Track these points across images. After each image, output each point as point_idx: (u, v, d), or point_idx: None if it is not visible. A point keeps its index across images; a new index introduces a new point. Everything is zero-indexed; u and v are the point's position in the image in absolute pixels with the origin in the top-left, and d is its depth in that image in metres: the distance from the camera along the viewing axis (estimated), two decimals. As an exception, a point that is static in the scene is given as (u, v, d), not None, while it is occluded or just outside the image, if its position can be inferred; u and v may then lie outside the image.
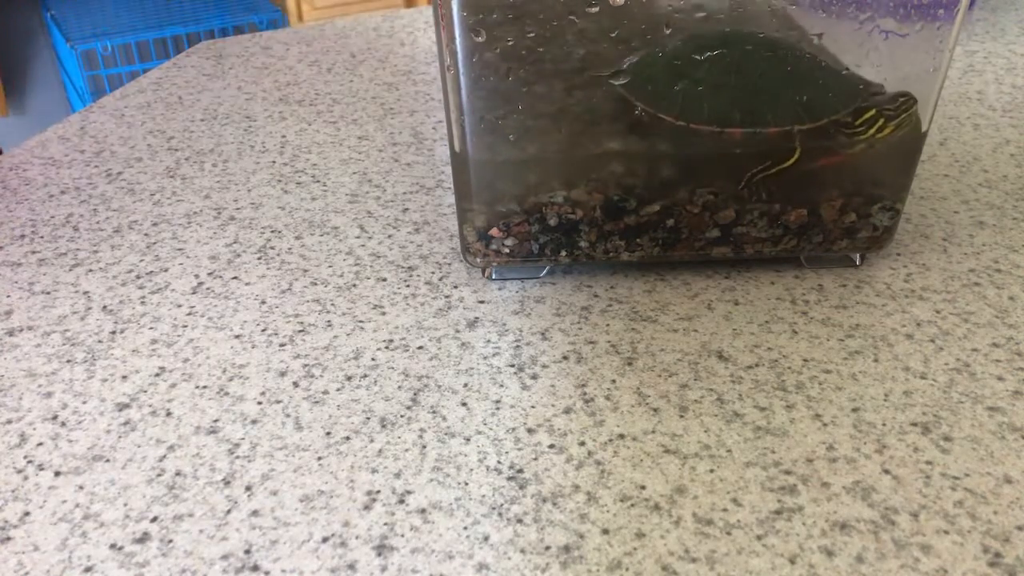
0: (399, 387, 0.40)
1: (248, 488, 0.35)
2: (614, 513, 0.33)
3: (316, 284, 0.48)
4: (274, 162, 0.61)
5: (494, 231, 0.45)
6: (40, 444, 0.38)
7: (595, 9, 0.39)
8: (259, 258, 0.50)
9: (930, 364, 0.41)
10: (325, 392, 0.40)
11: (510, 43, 0.40)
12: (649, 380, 0.40)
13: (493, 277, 0.48)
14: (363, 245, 0.51)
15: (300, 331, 0.44)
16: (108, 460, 0.36)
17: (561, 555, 0.32)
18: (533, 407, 0.39)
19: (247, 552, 0.32)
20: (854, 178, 0.45)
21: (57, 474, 0.36)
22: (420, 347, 0.43)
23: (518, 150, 0.43)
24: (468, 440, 0.37)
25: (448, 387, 0.40)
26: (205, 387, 0.41)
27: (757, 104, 0.42)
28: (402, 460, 0.36)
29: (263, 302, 0.47)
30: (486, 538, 0.32)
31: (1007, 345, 0.42)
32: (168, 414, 0.39)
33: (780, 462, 0.36)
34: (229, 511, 0.34)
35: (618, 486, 0.34)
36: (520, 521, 0.33)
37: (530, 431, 0.37)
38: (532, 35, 0.40)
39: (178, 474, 0.36)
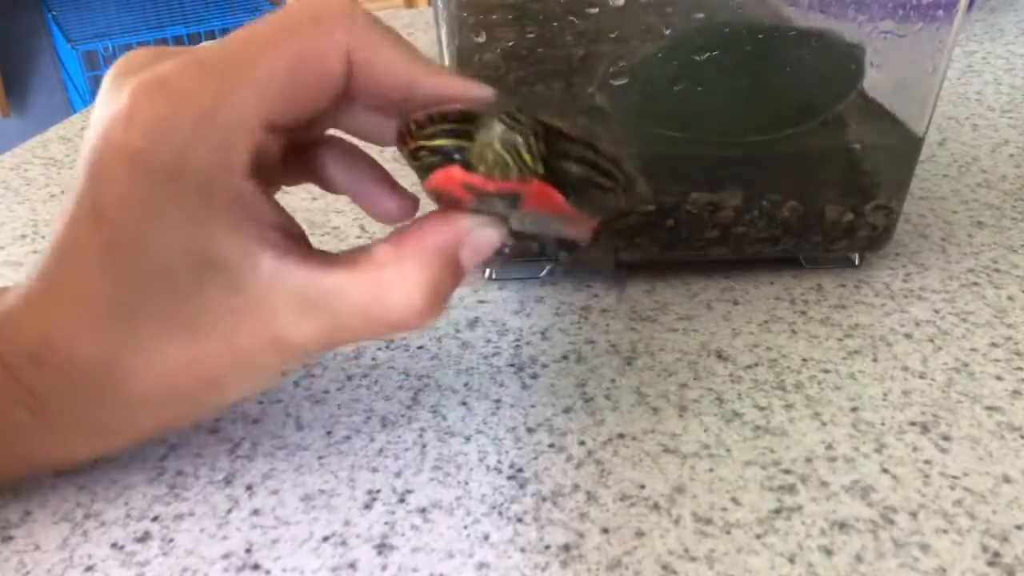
0: (399, 387, 0.40)
1: (249, 487, 0.35)
2: (614, 512, 0.33)
3: (317, 284, 0.48)
4: (275, 162, 0.61)
5: (494, 231, 0.45)
6: (41, 443, 0.38)
7: (595, 10, 0.39)
8: (260, 258, 0.50)
9: (929, 364, 0.41)
10: (326, 391, 0.40)
11: (510, 44, 0.40)
12: (649, 380, 0.40)
13: (493, 277, 0.48)
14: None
15: (301, 331, 0.44)
16: (109, 459, 0.36)
17: (561, 554, 0.32)
18: (533, 406, 0.39)
19: (248, 551, 0.32)
20: (854, 177, 0.46)
21: (58, 473, 0.36)
22: (420, 347, 0.43)
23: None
24: (468, 439, 0.37)
25: (448, 386, 0.40)
26: (206, 387, 0.41)
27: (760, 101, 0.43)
28: (402, 459, 0.36)
29: (264, 302, 0.47)
30: (486, 537, 0.33)
31: (1006, 345, 0.42)
32: (169, 413, 0.39)
33: (779, 461, 0.36)
34: (230, 510, 0.34)
35: (618, 485, 0.35)
36: (520, 520, 0.33)
37: (530, 430, 0.37)
38: (532, 35, 0.40)
39: (179, 473, 0.36)
